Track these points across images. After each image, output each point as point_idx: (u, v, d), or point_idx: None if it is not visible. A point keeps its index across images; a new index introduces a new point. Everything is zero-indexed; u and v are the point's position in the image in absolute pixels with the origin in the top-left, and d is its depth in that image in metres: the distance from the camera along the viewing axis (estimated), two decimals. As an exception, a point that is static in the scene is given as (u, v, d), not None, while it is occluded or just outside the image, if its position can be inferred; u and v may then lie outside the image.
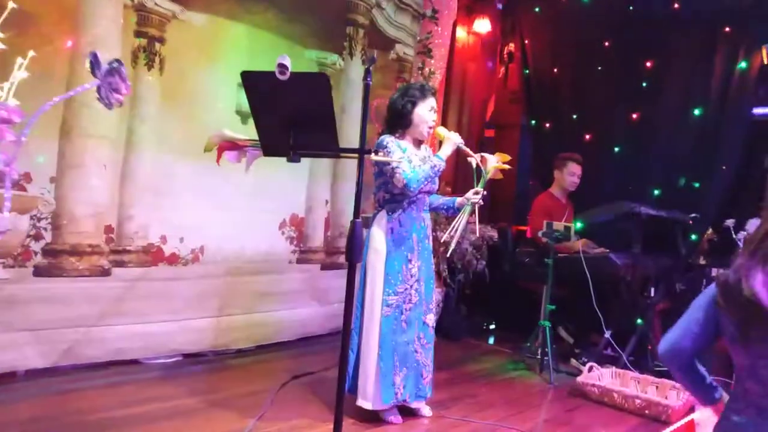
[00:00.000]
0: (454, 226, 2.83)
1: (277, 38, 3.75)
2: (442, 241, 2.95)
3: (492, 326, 5.13)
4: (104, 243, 3.12)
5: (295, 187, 4.01)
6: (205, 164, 3.43)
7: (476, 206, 2.80)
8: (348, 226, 4.31)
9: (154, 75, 3.25)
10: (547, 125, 5.20)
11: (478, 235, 2.89)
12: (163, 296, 3.36)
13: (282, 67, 1.58)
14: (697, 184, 4.39)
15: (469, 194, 2.81)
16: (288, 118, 1.71)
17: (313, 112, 1.70)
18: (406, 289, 2.74)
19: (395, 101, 2.81)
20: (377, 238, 2.74)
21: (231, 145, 1.83)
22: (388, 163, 2.63)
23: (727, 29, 4.23)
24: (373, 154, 1.68)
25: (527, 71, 5.30)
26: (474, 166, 2.82)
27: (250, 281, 3.76)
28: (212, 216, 3.53)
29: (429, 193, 2.86)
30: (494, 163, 2.83)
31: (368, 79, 1.76)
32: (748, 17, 4.11)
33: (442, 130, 2.81)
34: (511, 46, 5.50)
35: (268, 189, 3.78)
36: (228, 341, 3.68)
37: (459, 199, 2.89)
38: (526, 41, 5.28)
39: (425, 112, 2.77)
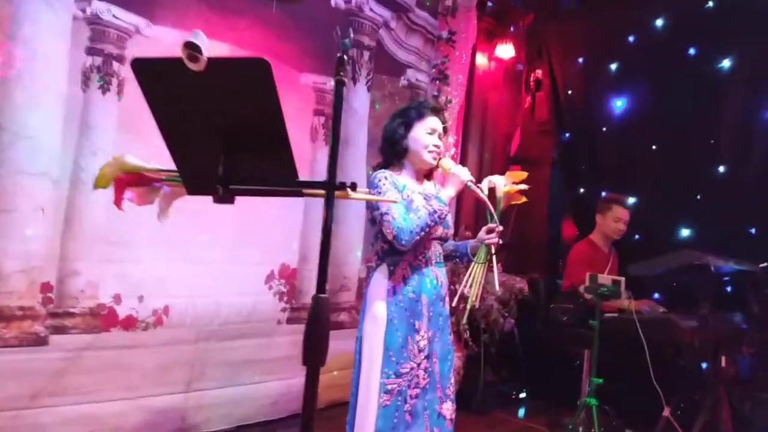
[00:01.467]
0: (469, 277, 2.15)
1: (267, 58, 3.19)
2: (458, 295, 2.26)
3: (522, 395, 4.36)
4: (40, 305, 2.51)
5: (286, 231, 3.39)
6: (175, 205, 2.86)
7: (493, 248, 2.15)
8: (352, 276, 3.70)
9: (110, 99, 2.70)
10: (583, 161, 4.53)
11: (498, 287, 2.16)
12: (116, 369, 2.73)
13: (191, 49, 0.97)
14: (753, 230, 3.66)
15: (481, 234, 2.19)
16: (213, 133, 1.09)
17: (253, 123, 1.08)
18: (411, 369, 2.06)
19: (386, 126, 2.22)
20: (375, 301, 2.09)
21: (135, 179, 1.20)
22: (378, 207, 2.01)
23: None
24: (349, 189, 1.01)
25: (557, 100, 4.67)
26: (483, 197, 2.15)
27: (227, 348, 3.10)
28: (180, 269, 2.92)
29: (442, 240, 2.22)
30: (504, 186, 2.18)
31: (342, 74, 1.15)
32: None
33: (447, 163, 2.17)
34: (539, 73, 4.89)
35: (253, 234, 3.16)
36: (199, 422, 3.01)
37: (471, 243, 2.27)
38: (555, 66, 4.67)
39: (422, 134, 2.15)
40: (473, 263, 2.18)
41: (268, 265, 3.28)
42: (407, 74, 3.99)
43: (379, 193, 2.04)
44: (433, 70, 4.15)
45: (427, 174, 2.28)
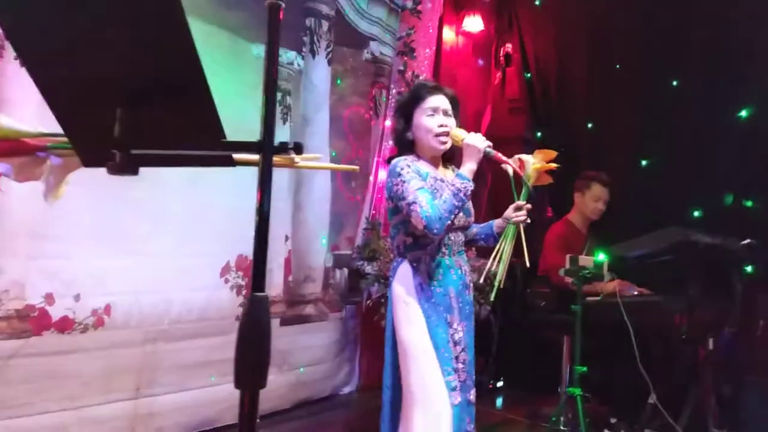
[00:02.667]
0: (497, 254, 2.05)
1: (212, 28, 2.88)
2: (485, 272, 2.23)
3: (500, 384, 4.18)
4: (-46, 309, 2.19)
5: (242, 219, 3.08)
6: (112, 192, 2.56)
7: (521, 227, 2.04)
8: (318, 266, 3.43)
9: (31, 72, 2.36)
10: (556, 137, 4.33)
11: (528, 262, 2.08)
12: (50, 377, 2.41)
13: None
14: (749, 203, 3.51)
15: (509, 212, 2.07)
16: (104, 80, 0.82)
17: (159, 66, 0.81)
18: (457, 362, 1.99)
19: (393, 124, 2.13)
20: (407, 300, 1.95)
21: (11, 147, 0.90)
22: (404, 197, 1.86)
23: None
24: (292, 153, 0.74)
25: (529, 75, 4.45)
26: (511, 174, 2.03)
27: (180, 349, 2.81)
28: (122, 264, 2.61)
29: (464, 228, 2.09)
30: (534, 165, 2.06)
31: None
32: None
33: (458, 133, 1.98)
34: (509, 47, 4.66)
35: (205, 223, 2.86)
36: (151, 431, 2.72)
37: (497, 222, 2.14)
38: (526, 39, 4.44)
39: (424, 118, 1.99)
40: (500, 240, 2.06)
41: (223, 257, 2.99)
42: (370, 47, 3.71)
43: (403, 182, 1.88)
44: (399, 42, 3.88)
45: (447, 158, 2.11)
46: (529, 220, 2.04)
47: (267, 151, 0.80)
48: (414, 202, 1.84)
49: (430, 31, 3.99)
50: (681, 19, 3.65)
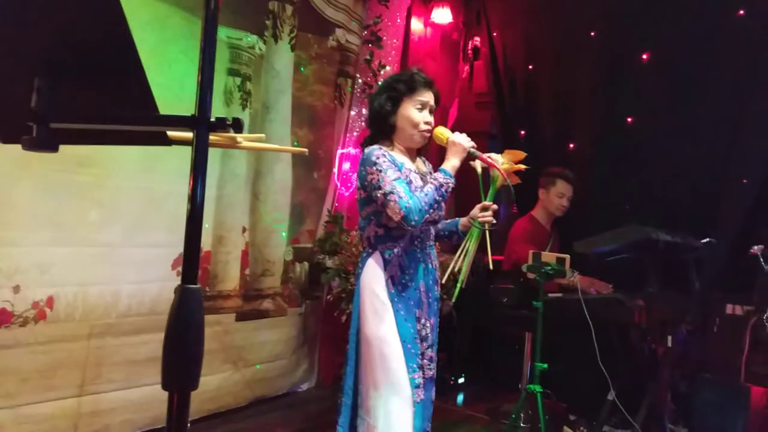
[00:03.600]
0: (461, 254, 2.05)
1: (170, 8, 2.74)
2: (448, 272, 2.16)
3: (460, 380, 4.15)
4: None
5: (197, 210, 2.97)
6: (58, 176, 2.40)
7: (487, 227, 2.01)
8: (277, 259, 3.32)
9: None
10: (522, 133, 4.31)
11: (491, 264, 2.15)
12: (-15, 374, 2.27)
13: None
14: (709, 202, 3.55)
15: (475, 211, 2.04)
16: (21, 45, 0.71)
17: (82, 30, 0.71)
18: (423, 359, 1.96)
19: (373, 99, 2.02)
20: (376, 293, 1.88)
21: None
22: (379, 187, 1.80)
23: (741, 12, 3.43)
24: (232, 131, 0.65)
25: (496, 69, 4.41)
26: (479, 171, 2.06)
27: (128, 343, 2.67)
28: (67, 254, 2.46)
29: (434, 222, 2.05)
30: (503, 165, 2.03)
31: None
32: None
33: (443, 131, 1.98)
34: (477, 41, 4.62)
35: (157, 212, 2.73)
36: (96, 430, 2.59)
37: (463, 220, 2.11)
38: (495, 34, 4.40)
39: (412, 110, 1.94)
40: (465, 240, 2.04)
41: (175, 248, 2.84)
42: (336, 34, 3.61)
43: (379, 171, 1.82)
44: (365, 31, 3.78)
45: (419, 150, 2.08)
46: (495, 221, 2.00)
47: (201, 127, 0.71)
48: (391, 192, 1.79)
49: (398, 21, 3.92)
50: (651, 20, 3.67)
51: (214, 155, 3.01)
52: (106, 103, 0.75)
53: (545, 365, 2.82)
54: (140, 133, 0.80)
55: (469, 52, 4.66)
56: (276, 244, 3.37)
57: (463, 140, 1.93)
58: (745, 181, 3.40)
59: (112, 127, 0.72)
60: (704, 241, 3.30)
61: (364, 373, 1.87)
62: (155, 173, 2.67)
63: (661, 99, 3.65)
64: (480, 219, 1.99)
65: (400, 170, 1.88)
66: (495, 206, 2.00)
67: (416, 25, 4.41)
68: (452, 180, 1.89)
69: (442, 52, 4.66)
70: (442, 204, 2.01)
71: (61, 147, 0.77)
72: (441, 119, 4.72)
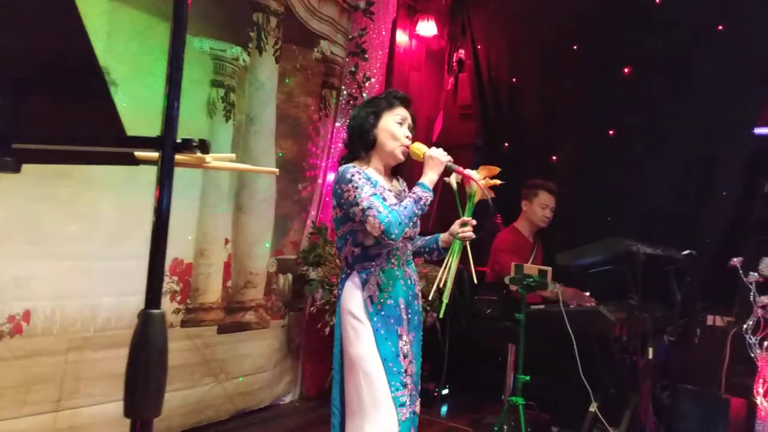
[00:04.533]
0: (444, 270, 2.03)
1: (151, 18, 2.72)
2: (433, 289, 2.29)
3: (445, 392, 4.14)
4: None
5: (177, 221, 2.93)
6: (36, 190, 2.38)
7: (467, 242, 2.02)
8: (260, 271, 3.30)
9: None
10: (506, 145, 4.34)
11: (475, 279, 2.27)
12: (-42, 390, 2.22)
13: None
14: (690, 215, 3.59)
15: (455, 227, 2.04)
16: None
17: (43, 49, 0.70)
18: (406, 376, 1.93)
19: (355, 114, 2.02)
20: (355, 313, 1.89)
21: None
22: (357, 203, 1.81)
23: (720, 27, 3.49)
24: (198, 151, 0.64)
25: (481, 82, 4.45)
26: (455, 188, 2.05)
27: (106, 358, 2.63)
28: (44, 267, 2.43)
29: (411, 238, 2.05)
30: (478, 179, 2.01)
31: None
32: (746, 12, 3.38)
33: (418, 147, 1.98)
34: (462, 53, 4.65)
35: (137, 224, 2.70)
36: (73, 446, 2.55)
37: (443, 236, 2.11)
38: (479, 46, 4.44)
39: (392, 123, 1.96)
40: (447, 256, 2.03)
41: (157, 260, 2.83)
42: (321, 46, 3.62)
43: (355, 188, 1.82)
44: (350, 43, 3.80)
45: (394, 171, 2.09)
46: (474, 236, 2.01)
47: (166, 148, 0.70)
48: (370, 207, 1.79)
49: (383, 33, 3.93)
50: (632, 30, 3.72)
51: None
52: (70, 123, 0.74)
53: (528, 377, 2.82)
54: (106, 153, 0.79)
55: (454, 64, 4.69)
56: (259, 257, 3.35)
57: (440, 154, 1.94)
58: (725, 193, 3.45)
59: (76, 147, 0.72)
60: (685, 253, 3.34)
61: (349, 393, 1.88)
62: (133, 185, 2.64)
63: (642, 112, 3.69)
64: (460, 235, 2.00)
65: (375, 187, 1.88)
66: (474, 221, 2.01)
67: (401, 37, 4.44)
68: (430, 194, 1.90)
69: (427, 64, 4.69)
70: (417, 220, 2.01)
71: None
72: (426, 131, 4.74)
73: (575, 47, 3.98)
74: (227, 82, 3.04)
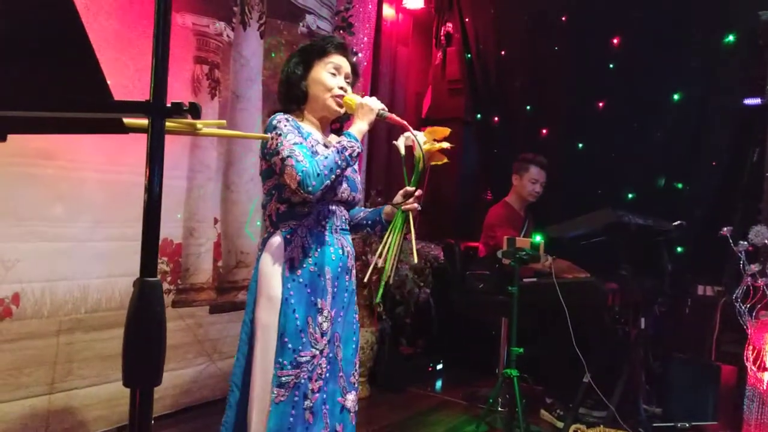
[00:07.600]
0: (384, 246, 1.80)
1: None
2: (370, 268, 1.97)
3: (439, 366, 4.16)
4: None
5: (167, 200, 2.88)
6: (20, 169, 2.33)
7: (412, 214, 1.82)
8: (251, 250, 3.27)
9: None
10: (495, 119, 4.32)
11: (416, 258, 1.83)
12: (-52, 374, 2.20)
13: None
14: (679, 185, 3.61)
15: (398, 197, 1.83)
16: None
17: (22, 11, 0.67)
18: (313, 357, 1.71)
19: (284, 67, 1.87)
20: (269, 275, 1.73)
21: None
22: (277, 152, 1.65)
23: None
24: (189, 116, 0.61)
25: (469, 55, 4.40)
26: (402, 153, 1.86)
27: (99, 339, 2.61)
28: (32, 249, 2.38)
29: (349, 203, 1.88)
30: (424, 144, 1.82)
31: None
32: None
33: (352, 97, 1.80)
34: (449, 26, 4.59)
35: (125, 204, 2.66)
36: (69, 427, 2.54)
37: (386, 208, 1.92)
38: (467, 19, 4.39)
39: (324, 74, 1.81)
40: (388, 231, 1.82)
41: (145, 240, 2.79)
42: (306, 20, 3.55)
43: (279, 135, 1.67)
44: (336, 17, 3.73)
45: (334, 126, 1.93)
46: (420, 208, 1.83)
47: (156, 113, 0.67)
48: (289, 156, 1.62)
49: (370, 6, 3.87)
50: (621, 3, 3.69)
51: (182, 146, 2.96)
52: (53, 89, 0.71)
53: (521, 349, 2.83)
54: (94, 121, 0.76)
55: (442, 38, 4.63)
56: (249, 235, 3.32)
57: (372, 102, 1.76)
58: (714, 163, 3.46)
59: (61, 114, 0.69)
60: (675, 223, 3.36)
61: (256, 366, 1.72)
62: (120, 164, 2.60)
63: (632, 83, 3.68)
64: (403, 207, 1.81)
65: (305, 139, 1.72)
66: (419, 191, 1.82)
67: (388, 10, 4.37)
68: (357, 144, 1.71)
69: (415, 38, 4.63)
70: (357, 184, 1.88)
71: (22, 139, 0.74)
72: (415, 106, 4.70)
73: (563, 18, 3.94)
74: (211, 59, 2.98)
